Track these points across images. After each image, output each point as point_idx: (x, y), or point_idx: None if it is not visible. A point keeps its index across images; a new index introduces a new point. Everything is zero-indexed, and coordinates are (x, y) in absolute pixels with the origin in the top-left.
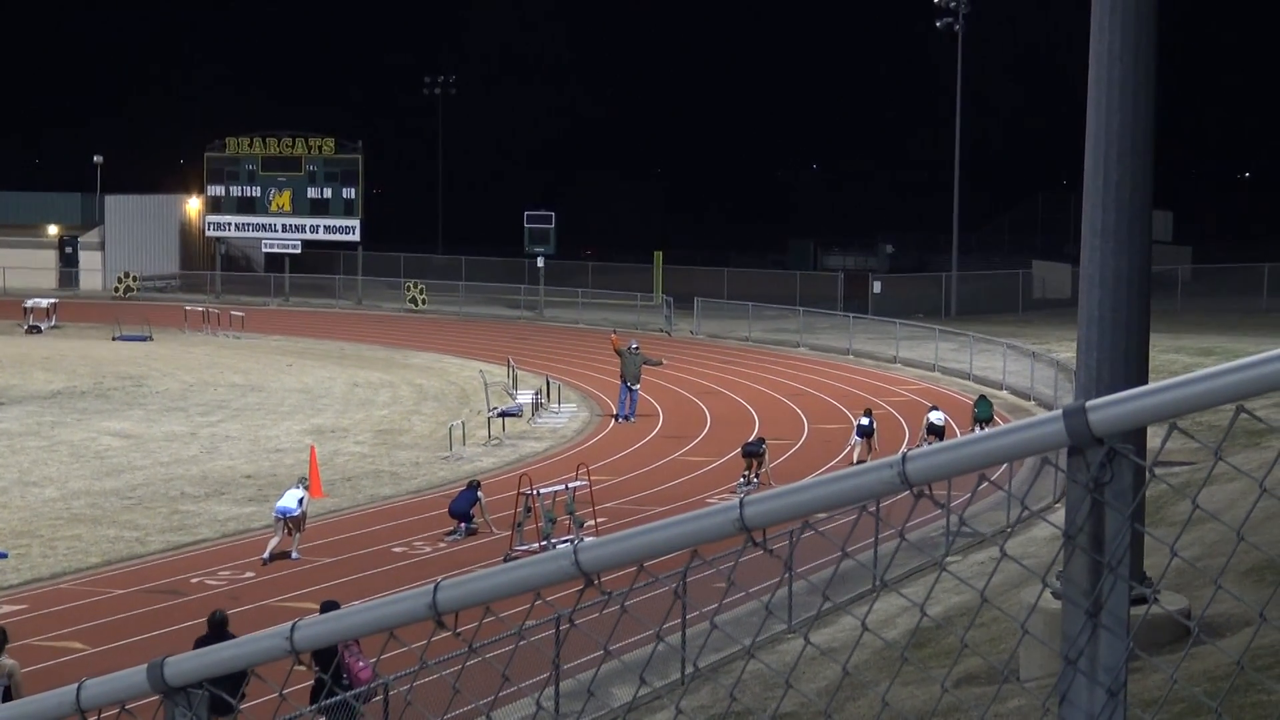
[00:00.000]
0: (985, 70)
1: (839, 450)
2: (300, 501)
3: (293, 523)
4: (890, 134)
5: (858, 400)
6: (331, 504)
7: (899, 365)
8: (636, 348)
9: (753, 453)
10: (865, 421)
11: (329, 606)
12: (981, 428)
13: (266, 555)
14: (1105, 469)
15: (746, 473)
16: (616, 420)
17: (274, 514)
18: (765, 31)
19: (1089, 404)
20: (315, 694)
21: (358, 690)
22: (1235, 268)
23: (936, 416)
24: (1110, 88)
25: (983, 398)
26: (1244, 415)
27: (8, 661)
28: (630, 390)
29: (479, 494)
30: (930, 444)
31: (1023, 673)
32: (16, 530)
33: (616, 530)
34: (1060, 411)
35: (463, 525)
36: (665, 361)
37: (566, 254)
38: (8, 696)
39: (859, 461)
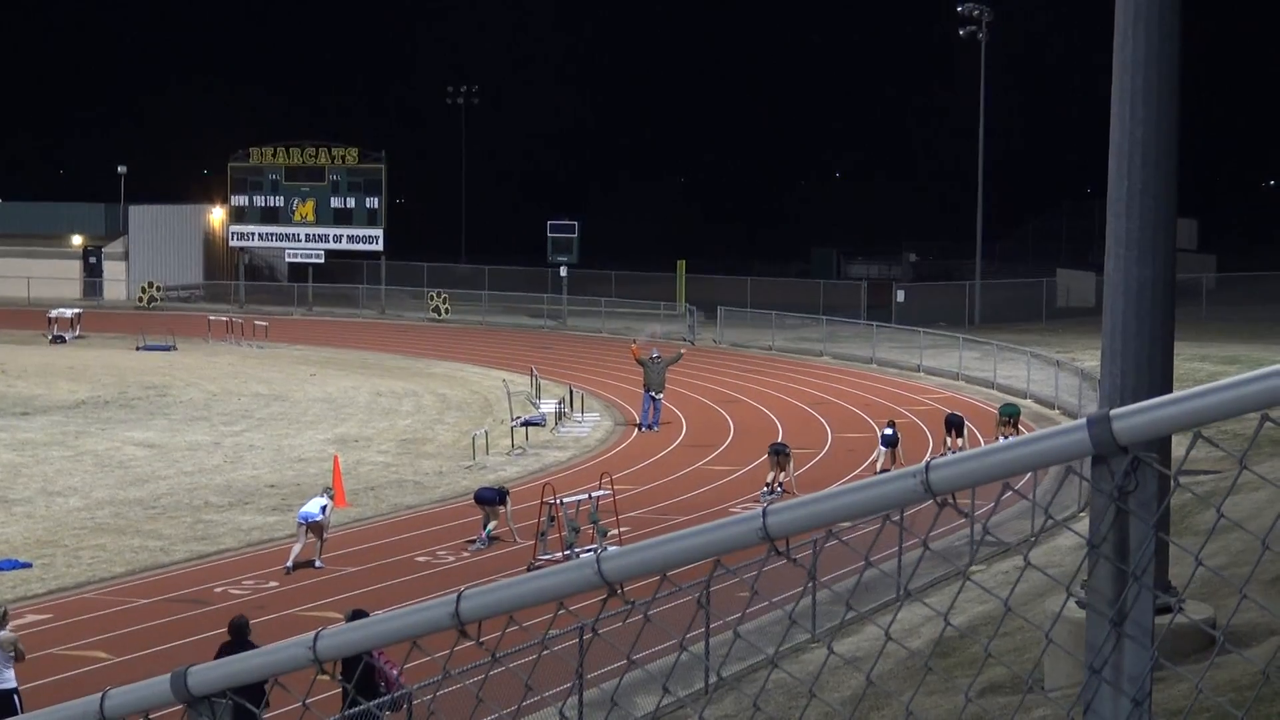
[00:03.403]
0: (1009, 78)
1: (863, 459)
2: (324, 509)
3: (315, 529)
4: (914, 142)
5: (881, 409)
6: (355, 513)
7: (922, 374)
8: (658, 356)
9: (780, 450)
10: (889, 432)
11: (358, 615)
12: (1006, 424)
13: (289, 564)
14: (1130, 478)
15: (771, 480)
16: (640, 430)
17: (297, 520)
18: (788, 40)
19: (1113, 412)
20: (344, 702)
21: (381, 700)
22: (1260, 276)
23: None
24: (1133, 96)
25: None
26: (1267, 424)
27: (8, 635)
28: (654, 399)
29: (507, 501)
30: (952, 441)
31: (1047, 682)
32: (41, 540)
33: (640, 539)
34: (1084, 420)
35: (483, 534)
36: (684, 351)
37: (589, 263)
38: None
39: (883, 471)
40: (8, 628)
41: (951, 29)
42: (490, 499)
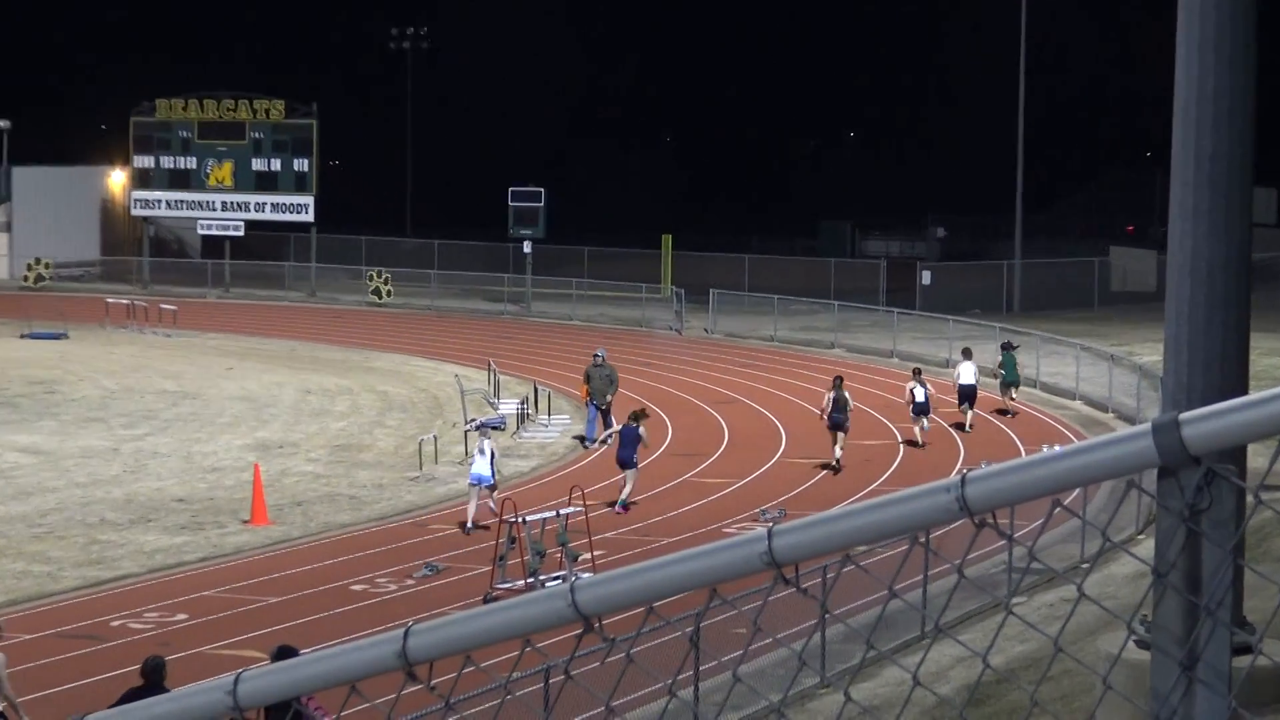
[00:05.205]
0: (1056, 24)
1: (881, 471)
2: (493, 463)
3: (488, 490)
4: (942, 97)
5: (901, 410)
6: (279, 533)
7: (952, 370)
8: (602, 360)
9: (839, 424)
10: (921, 398)
11: (285, 653)
12: (1006, 391)
13: (469, 525)
14: (1202, 494)
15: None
16: (585, 445)
17: (469, 481)
18: None
19: (1183, 417)
20: None
21: None
22: None
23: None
24: (1203, 45)
25: (1007, 349)
26: None
27: None
28: (599, 410)
29: (641, 430)
30: (962, 412)
31: None
32: None
33: (617, 565)
34: (1149, 426)
35: (432, 561)
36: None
37: (558, 238)
38: None
39: (912, 444)
40: None
41: None
42: (630, 458)
